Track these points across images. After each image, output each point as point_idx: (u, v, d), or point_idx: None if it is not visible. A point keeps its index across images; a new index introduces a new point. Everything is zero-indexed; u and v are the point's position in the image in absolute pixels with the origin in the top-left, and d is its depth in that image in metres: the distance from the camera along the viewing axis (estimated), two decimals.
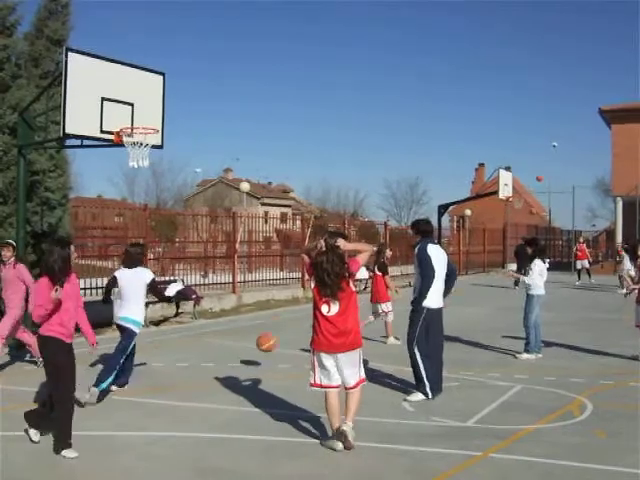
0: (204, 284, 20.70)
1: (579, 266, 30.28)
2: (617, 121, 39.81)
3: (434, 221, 33.00)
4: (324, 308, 6.73)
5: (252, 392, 9.06)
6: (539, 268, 11.75)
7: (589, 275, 29.62)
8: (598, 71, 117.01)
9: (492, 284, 28.71)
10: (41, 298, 6.70)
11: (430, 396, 8.64)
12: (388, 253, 14.10)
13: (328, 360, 6.78)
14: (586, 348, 12.14)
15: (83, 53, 11.32)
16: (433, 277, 8.80)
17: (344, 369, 6.84)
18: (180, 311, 17.26)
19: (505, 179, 29.30)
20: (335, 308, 6.72)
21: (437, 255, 8.97)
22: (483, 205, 43.62)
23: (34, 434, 6.87)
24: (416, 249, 9.07)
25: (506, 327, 14.00)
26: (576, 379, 9.91)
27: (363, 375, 7.06)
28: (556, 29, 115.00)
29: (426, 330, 8.83)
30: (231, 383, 9.58)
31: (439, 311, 9.00)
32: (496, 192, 29.34)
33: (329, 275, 6.66)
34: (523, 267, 29.45)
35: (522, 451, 6.63)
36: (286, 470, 6.17)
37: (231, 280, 21.25)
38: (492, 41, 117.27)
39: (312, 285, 6.88)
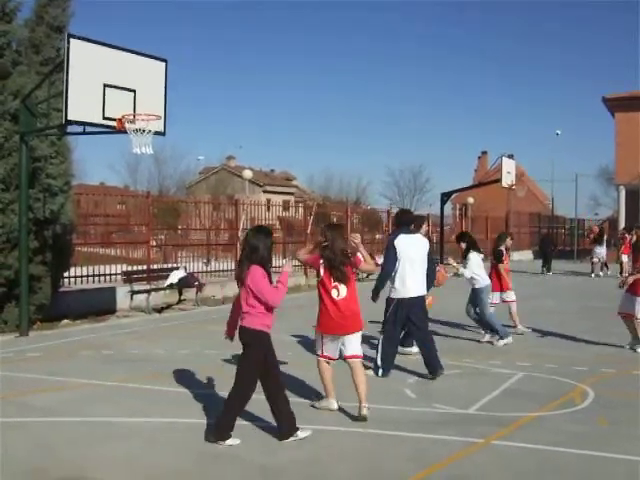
0: (206, 271, 20.73)
1: (625, 259, 25.67)
2: (621, 109, 39.69)
3: (437, 209, 33.20)
4: (334, 292, 7.23)
5: None
6: (476, 261, 11.81)
7: (606, 267, 28.01)
8: (602, 59, 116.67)
9: None
10: (266, 287, 6.46)
11: (380, 376, 9.16)
12: (508, 242, 13.63)
13: (334, 342, 7.39)
14: (587, 336, 12.12)
15: (85, 39, 11.31)
16: (391, 270, 9.12)
17: (347, 349, 7.41)
18: (183, 298, 17.29)
19: (508, 167, 29.28)
20: (343, 292, 7.26)
21: (408, 245, 9.17)
22: (486, 193, 43.58)
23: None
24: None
25: (506, 315, 13.98)
26: (578, 367, 9.91)
27: (361, 353, 7.58)
28: (560, 18, 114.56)
29: (398, 319, 9.23)
30: (234, 370, 9.57)
31: (417, 300, 9.25)
32: (499, 180, 29.33)
33: (337, 262, 7.22)
34: (546, 257, 29.61)
35: (524, 438, 6.64)
36: (289, 456, 6.18)
37: (233, 267, 21.25)
38: (495, 30, 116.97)
39: (321, 273, 7.30)
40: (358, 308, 7.44)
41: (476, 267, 11.68)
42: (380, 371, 9.20)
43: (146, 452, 6.30)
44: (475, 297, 11.84)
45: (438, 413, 7.59)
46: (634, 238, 12.79)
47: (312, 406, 7.66)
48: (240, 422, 7.10)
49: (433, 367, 9.14)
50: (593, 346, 11.52)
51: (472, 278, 11.69)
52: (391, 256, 9.16)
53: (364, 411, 7.13)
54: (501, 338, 11.56)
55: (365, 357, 8.27)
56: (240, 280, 6.54)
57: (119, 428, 7.04)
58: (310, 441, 6.59)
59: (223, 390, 8.43)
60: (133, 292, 16.10)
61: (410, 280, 9.13)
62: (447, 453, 6.24)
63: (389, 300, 9.38)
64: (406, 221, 9.55)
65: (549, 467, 5.97)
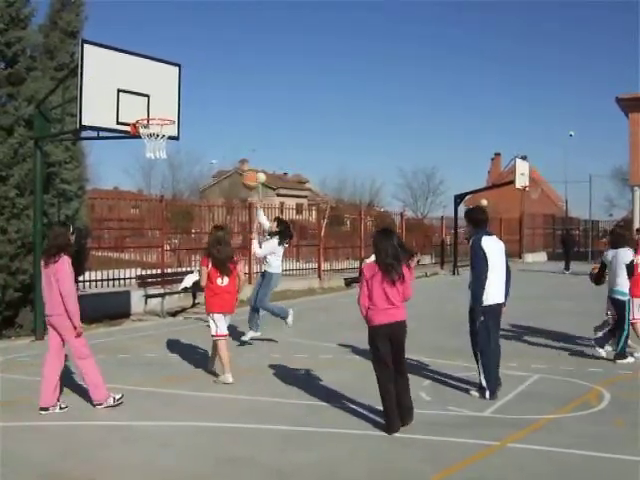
0: None
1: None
2: (634, 110, 39.40)
3: (450, 211, 33.16)
4: (219, 281, 9.43)
5: (268, 382, 9.08)
6: (270, 246, 12.09)
7: None
8: (615, 59, 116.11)
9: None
10: None
11: (488, 398, 8.19)
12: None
13: (223, 320, 9.50)
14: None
15: (99, 45, 11.36)
16: (486, 273, 8.20)
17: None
18: (197, 302, 17.30)
19: (521, 168, 29.21)
20: (226, 281, 9.50)
21: (493, 248, 8.37)
22: (499, 195, 43.46)
23: None
24: (470, 242, 8.54)
25: (522, 316, 13.93)
26: (594, 369, 9.87)
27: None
28: (574, 18, 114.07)
29: (486, 328, 8.27)
30: (247, 373, 9.61)
31: (498, 307, 8.39)
32: (512, 182, 29.24)
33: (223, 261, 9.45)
34: (568, 254, 29.41)
35: (539, 441, 6.61)
36: (302, 459, 6.19)
37: (247, 271, 21.28)
38: (507, 32, 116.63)
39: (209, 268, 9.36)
40: (235, 291, 9.65)
41: (268, 252, 12.20)
42: (487, 393, 8.23)
43: (162, 456, 6.32)
44: (267, 281, 12.40)
45: (453, 416, 7.57)
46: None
47: (214, 382, 9.09)
48: (257, 426, 7.13)
49: (491, 390, 8.28)
50: (608, 347, 11.44)
51: (268, 263, 12.48)
52: (482, 259, 8.23)
53: (230, 379, 8.96)
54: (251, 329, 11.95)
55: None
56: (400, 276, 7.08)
57: (135, 432, 7.06)
58: (324, 443, 6.60)
59: (238, 393, 8.46)
60: (147, 296, 16.15)
61: (495, 286, 8.31)
62: (462, 456, 6.23)
63: (474, 312, 8.35)
64: (485, 220, 8.69)
65: (565, 469, 5.95)
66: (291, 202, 44.00)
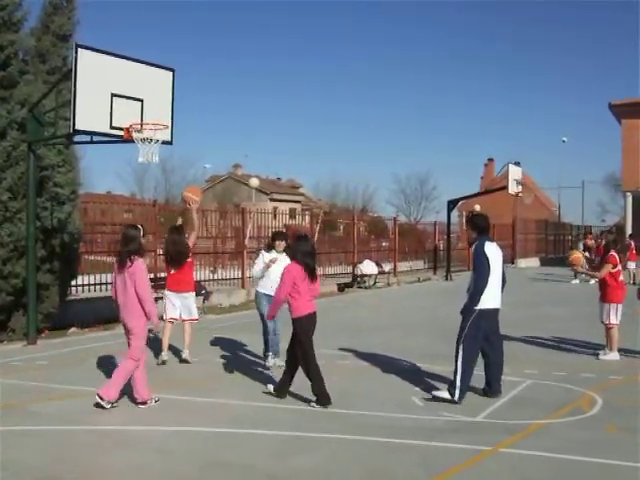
0: (213, 279, 20.73)
1: (632, 267, 25.53)
2: (627, 116, 39.57)
3: (443, 216, 33.24)
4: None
5: (262, 387, 9.06)
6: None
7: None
8: (609, 66, 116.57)
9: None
10: None
11: (457, 400, 8.22)
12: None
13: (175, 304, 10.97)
14: (596, 343, 12.06)
15: (93, 49, 11.36)
16: (487, 278, 8.29)
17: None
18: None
19: (515, 174, 29.28)
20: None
21: (494, 254, 8.49)
22: (492, 200, 43.47)
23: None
24: (473, 247, 8.62)
25: (514, 322, 13.95)
26: (586, 374, 9.89)
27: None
28: (567, 24, 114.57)
29: (480, 331, 8.38)
30: (241, 378, 9.60)
31: (495, 311, 8.55)
32: (505, 187, 29.32)
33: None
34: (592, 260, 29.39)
35: (532, 446, 6.63)
36: (296, 464, 6.18)
37: (240, 275, 21.28)
38: (501, 37, 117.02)
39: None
40: (189, 278, 11.17)
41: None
42: (457, 393, 8.26)
43: (157, 460, 6.31)
44: None
45: (446, 421, 7.57)
46: (603, 242, 12.95)
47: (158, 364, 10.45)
48: (249, 431, 7.12)
49: (494, 389, 8.61)
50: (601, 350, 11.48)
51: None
52: (486, 265, 8.31)
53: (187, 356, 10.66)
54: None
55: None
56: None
57: (129, 436, 7.06)
58: (318, 449, 6.60)
59: (232, 398, 8.45)
60: None
61: (493, 290, 8.39)
62: (455, 461, 6.23)
63: (467, 311, 8.44)
64: (487, 226, 8.79)
65: (557, 475, 5.96)
66: (284, 207, 43.92)
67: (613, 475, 5.98)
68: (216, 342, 12.77)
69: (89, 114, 11.19)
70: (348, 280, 25.47)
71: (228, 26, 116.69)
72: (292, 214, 36.45)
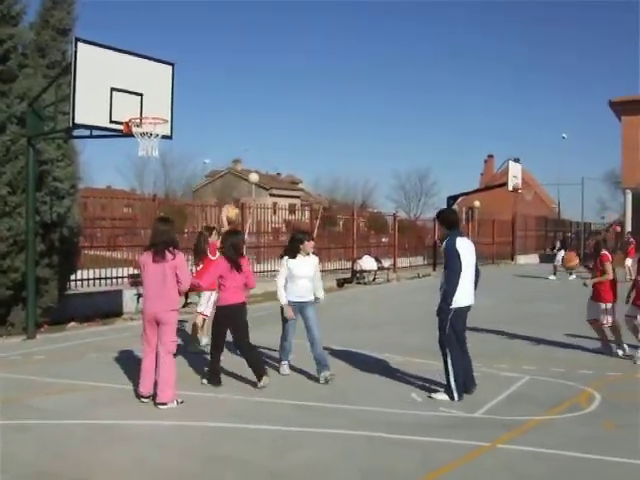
0: None
1: (629, 263, 25.74)
2: (627, 113, 39.62)
3: None
4: None
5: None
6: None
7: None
8: (608, 63, 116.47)
9: (501, 275, 28.69)
10: None
11: (456, 399, 8.19)
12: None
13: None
14: (595, 339, 12.06)
15: (92, 43, 11.34)
16: (459, 275, 8.14)
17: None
18: (189, 301, 17.27)
19: (514, 171, 29.24)
20: None
21: (466, 249, 8.30)
22: (492, 196, 43.54)
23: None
24: (444, 243, 8.47)
25: (512, 318, 13.98)
26: (584, 370, 9.90)
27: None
28: (567, 21, 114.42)
29: (457, 330, 8.34)
30: (240, 373, 9.59)
31: (467, 309, 8.47)
32: (505, 184, 29.30)
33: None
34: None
35: (530, 442, 6.63)
36: (295, 459, 6.19)
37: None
38: (502, 34, 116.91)
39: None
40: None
41: None
42: (456, 395, 8.20)
43: (153, 455, 6.31)
44: None
45: (444, 417, 7.58)
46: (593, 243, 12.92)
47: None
48: (249, 426, 7.12)
49: (459, 392, 8.28)
50: (599, 351, 11.47)
51: None
52: (457, 262, 8.13)
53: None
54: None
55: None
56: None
57: (126, 431, 7.05)
58: (317, 444, 6.60)
59: (229, 393, 8.45)
60: (139, 295, 16.11)
61: (466, 287, 8.29)
62: (454, 456, 6.24)
63: (442, 312, 8.31)
64: (457, 221, 8.70)
65: (555, 471, 5.96)
66: (284, 202, 43.99)
67: (611, 472, 5.98)
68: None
69: (88, 108, 11.17)
70: (347, 276, 25.44)
71: (228, 22, 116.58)
72: (292, 209, 36.49)
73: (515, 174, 29.20)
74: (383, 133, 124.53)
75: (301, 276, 9.26)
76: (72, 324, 14.23)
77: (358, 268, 25.48)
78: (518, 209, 44.17)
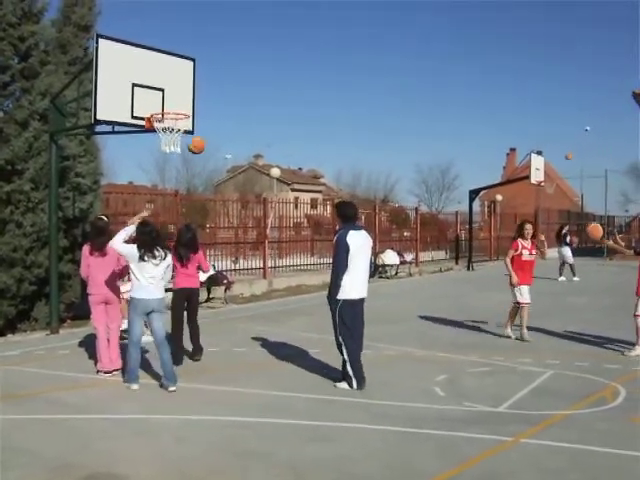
0: (235, 269, 20.76)
1: None
2: None
3: (465, 206, 33.03)
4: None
5: (282, 376, 9.08)
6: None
7: None
8: (633, 55, 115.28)
9: None
10: None
11: (356, 388, 8.31)
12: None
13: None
14: (620, 334, 11.94)
15: (113, 39, 11.35)
16: (345, 268, 8.25)
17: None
18: (211, 296, 17.34)
19: (537, 164, 29.02)
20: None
21: (358, 243, 8.38)
22: (514, 190, 43.23)
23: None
24: (336, 236, 8.55)
25: (535, 312, 13.86)
26: (609, 365, 9.81)
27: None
28: (589, 14, 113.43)
29: (347, 322, 8.35)
30: (261, 367, 9.61)
31: (359, 302, 8.49)
32: (528, 177, 29.09)
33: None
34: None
35: (553, 437, 6.58)
36: (317, 453, 6.18)
37: (262, 265, 21.31)
38: (523, 29, 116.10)
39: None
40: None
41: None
42: (354, 382, 8.37)
43: (176, 448, 6.33)
44: None
45: (467, 411, 7.54)
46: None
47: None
48: (269, 420, 7.12)
49: (358, 380, 8.39)
50: (625, 344, 11.37)
51: None
52: (343, 255, 8.25)
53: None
54: None
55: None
56: None
57: (149, 425, 7.08)
58: (339, 438, 6.59)
59: (251, 387, 8.46)
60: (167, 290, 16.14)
61: (356, 280, 8.36)
62: (477, 451, 6.20)
63: (331, 301, 8.42)
64: (353, 215, 8.69)
65: (579, 465, 5.91)
66: (306, 197, 44.01)
67: (634, 467, 5.92)
68: (237, 332, 12.79)
69: (110, 104, 11.20)
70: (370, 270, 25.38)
71: (251, 15, 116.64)
72: (313, 204, 36.47)
73: (537, 167, 28.99)
74: (405, 127, 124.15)
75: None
76: None
77: (380, 262, 25.42)
78: (540, 202, 43.85)
